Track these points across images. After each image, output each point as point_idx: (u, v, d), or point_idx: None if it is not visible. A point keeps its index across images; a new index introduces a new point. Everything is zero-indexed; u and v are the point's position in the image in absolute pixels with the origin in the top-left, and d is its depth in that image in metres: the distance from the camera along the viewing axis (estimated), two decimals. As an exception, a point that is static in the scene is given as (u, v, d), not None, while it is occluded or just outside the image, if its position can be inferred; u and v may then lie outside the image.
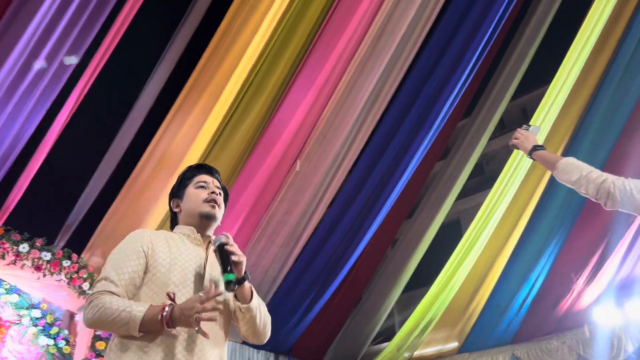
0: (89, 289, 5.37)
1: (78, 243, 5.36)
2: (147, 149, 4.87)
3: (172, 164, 4.88)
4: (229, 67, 4.52)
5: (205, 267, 1.86)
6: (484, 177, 11.62)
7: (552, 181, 6.64)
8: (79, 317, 5.56)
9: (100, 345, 5.38)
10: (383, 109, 5.74)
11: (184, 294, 1.75)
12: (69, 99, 4.32)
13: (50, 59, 3.90)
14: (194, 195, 1.98)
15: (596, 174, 2.29)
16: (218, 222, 2.01)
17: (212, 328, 1.75)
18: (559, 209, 6.68)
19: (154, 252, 1.81)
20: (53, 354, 5.24)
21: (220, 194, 2.02)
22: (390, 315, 8.97)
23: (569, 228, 6.84)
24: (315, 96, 5.04)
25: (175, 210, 2.04)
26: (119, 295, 1.71)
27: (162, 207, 5.20)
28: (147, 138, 4.86)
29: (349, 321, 7.58)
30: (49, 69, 3.88)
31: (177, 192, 2.05)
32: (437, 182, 7.29)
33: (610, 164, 6.47)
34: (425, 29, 5.52)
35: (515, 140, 2.64)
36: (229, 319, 1.90)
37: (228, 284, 1.72)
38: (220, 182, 2.09)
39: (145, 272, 1.78)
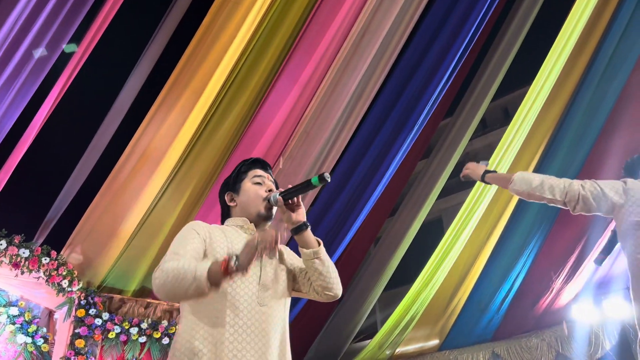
0: (68, 287, 5.31)
1: (57, 240, 5.29)
2: (129, 144, 4.83)
3: (154, 160, 4.85)
4: (212, 63, 4.49)
5: (262, 259, 1.87)
6: (466, 177, 11.73)
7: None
8: (57, 315, 5.50)
9: (79, 343, 5.32)
10: (366, 108, 5.76)
11: (242, 282, 1.78)
12: (50, 93, 4.26)
13: (30, 51, 3.85)
14: (252, 192, 1.98)
15: (557, 179, 2.32)
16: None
17: (273, 305, 1.81)
18: (539, 208, 6.76)
19: (212, 241, 1.84)
20: (31, 352, 5.19)
21: (274, 189, 2.04)
22: (372, 313, 9.02)
23: (549, 227, 6.93)
24: (298, 94, 5.03)
25: (230, 204, 2.03)
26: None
27: (144, 203, 5.17)
28: (128, 134, 4.81)
29: (331, 319, 7.59)
30: (29, 61, 3.82)
31: (233, 186, 2.04)
32: (419, 181, 7.33)
33: (589, 164, 6.57)
34: (407, 29, 5.56)
35: (467, 171, 2.73)
36: (289, 292, 1.94)
37: (320, 178, 1.80)
38: (272, 176, 2.09)
39: (204, 257, 1.81)
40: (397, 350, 8.13)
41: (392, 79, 6.02)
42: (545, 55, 6.04)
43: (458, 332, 7.57)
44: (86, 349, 5.39)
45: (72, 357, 5.26)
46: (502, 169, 6.39)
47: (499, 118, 12.21)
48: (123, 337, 5.67)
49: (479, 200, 6.47)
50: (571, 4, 5.90)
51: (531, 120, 6.26)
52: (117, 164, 4.93)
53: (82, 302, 5.50)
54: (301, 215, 1.89)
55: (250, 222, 1.96)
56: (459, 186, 10.40)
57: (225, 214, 2.05)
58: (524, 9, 6.72)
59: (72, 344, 5.33)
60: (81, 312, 5.45)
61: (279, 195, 1.89)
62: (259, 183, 2.00)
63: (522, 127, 6.22)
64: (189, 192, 5.21)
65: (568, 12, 5.92)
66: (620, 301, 6.65)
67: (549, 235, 6.96)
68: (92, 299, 5.56)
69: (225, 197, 2.04)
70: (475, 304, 7.24)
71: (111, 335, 5.60)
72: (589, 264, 6.80)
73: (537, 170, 6.68)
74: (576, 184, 2.24)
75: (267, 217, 1.97)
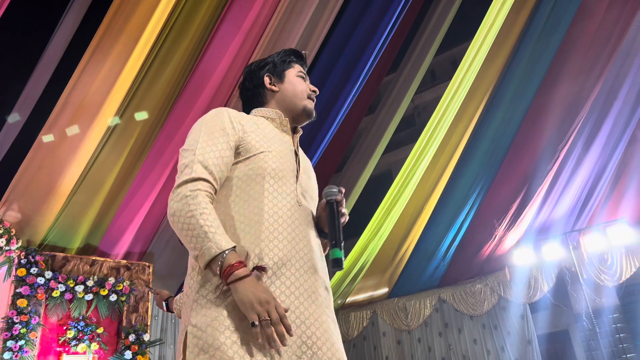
0: (6, 245, 5.14)
1: (-8, 197, 5.06)
2: (61, 96, 4.58)
3: (91, 111, 4.64)
4: (148, 6, 4.27)
5: (297, 157, 1.62)
6: (415, 129, 11.87)
7: (477, 130, 6.86)
8: (-4, 275, 5.31)
9: (21, 302, 5.18)
10: (313, 56, 5.67)
11: (282, 181, 1.52)
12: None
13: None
14: (299, 84, 1.70)
15: None
16: None
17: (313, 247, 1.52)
18: (483, 157, 6.92)
19: (245, 133, 1.54)
20: (-31, 313, 5.02)
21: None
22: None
23: (492, 176, 7.12)
24: (242, 41, 4.87)
25: (271, 87, 1.69)
26: (212, 184, 1.44)
27: (82, 158, 4.98)
28: (62, 83, 4.56)
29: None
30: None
31: (277, 70, 1.71)
32: (366, 135, 7.36)
33: (531, 113, 6.74)
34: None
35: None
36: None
37: (335, 262, 1.44)
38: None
39: (236, 153, 1.53)
40: (347, 300, 8.32)
41: (337, 29, 5.92)
42: (489, 6, 6.06)
43: (406, 280, 7.79)
44: (29, 308, 5.26)
45: (15, 317, 5.12)
46: (447, 120, 6.47)
47: (448, 70, 12.33)
48: (68, 296, 5.55)
49: (425, 150, 6.56)
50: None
51: (475, 72, 6.32)
52: (50, 117, 4.69)
53: (22, 261, 5.33)
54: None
55: (286, 117, 1.67)
56: (409, 139, 10.53)
57: (256, 101, 1.72)
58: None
59: (13, 304, 5.19)
60: (22, 271, 5.29)
61: (328, 199, 1.55)
62: (302, 77, 1.73)
63: (466, 78, 6.28)
64: (131, 144, 5.05)
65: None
66: (558, 246, 6.96)
67: (492, 184, 7.17)
68: (33, 257, 5.40)
69: (265, 79, 1.70)
70: (422, 252, 7.44)
71: (55, 293, 5.47)
72: (530, 211, 7.07)
73: (480, 120, 6.81)
74: None
75: (312, 114, 1.70)
